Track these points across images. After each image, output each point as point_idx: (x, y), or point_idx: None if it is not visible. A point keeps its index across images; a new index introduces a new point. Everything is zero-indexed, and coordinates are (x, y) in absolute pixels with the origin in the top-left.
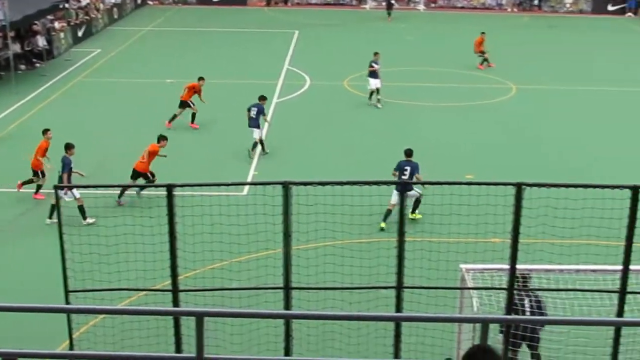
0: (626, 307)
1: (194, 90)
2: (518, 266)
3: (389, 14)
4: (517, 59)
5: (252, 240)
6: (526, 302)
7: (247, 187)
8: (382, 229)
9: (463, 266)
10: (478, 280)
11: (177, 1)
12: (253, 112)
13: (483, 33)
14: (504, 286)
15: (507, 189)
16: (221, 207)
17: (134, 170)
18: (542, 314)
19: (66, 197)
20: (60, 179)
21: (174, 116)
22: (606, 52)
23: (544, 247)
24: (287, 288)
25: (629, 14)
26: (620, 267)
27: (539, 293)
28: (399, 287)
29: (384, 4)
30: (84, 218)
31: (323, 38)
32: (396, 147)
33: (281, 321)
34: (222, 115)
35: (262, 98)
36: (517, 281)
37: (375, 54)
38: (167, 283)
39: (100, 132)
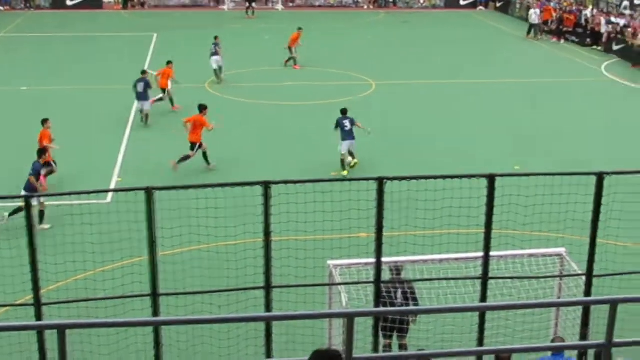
0: (489, 293)
1: (167, 75)
2: (384, 259)
3: (247, 12)
4: (374, 55)
5: (116, 249)
6: (399, 293)
7: (110, 195)
8: (344, 177)
9: (330, 262)
10: (346, 275)
11: (30, 6)
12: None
13: (300, 29)
14: (371, 279)
15: (370, 184)
16: (83, 216)
17: (191, 143)
18: (415, 304)
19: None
20: (28, 183)
21: (171, 100)
22: (459, 45)
23: (408, 239)
24: (155, 295)
25: (480, 7)
26: (481, 254)
27: (413, 284)
28: (268, 287)
29: (246, 4)
30: (40, 222)
31: (182, 41)
32: (268, 148)
33: (150, 329)
34: (85, 124)
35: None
36: (392, 273)
37: (216, 37)
38: (30, 297)
39: None
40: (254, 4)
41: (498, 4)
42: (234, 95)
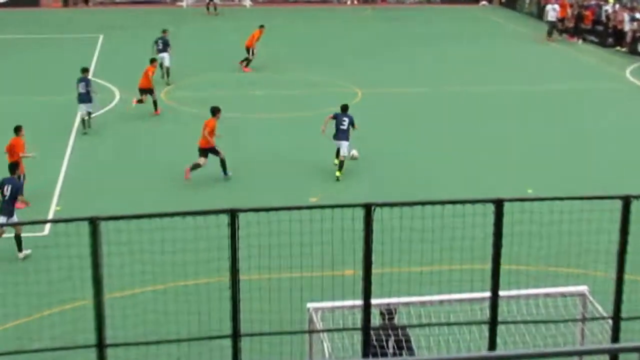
0: (498, 340)
1: (150, 73)
2: (374, 301)
3: (208, 8)
4: (360, 58)
5: (55, 290)
6: (391, 341)
7: (48, 226)
8: (338, 179)
9: (310, 305)
10: (329, 321)
11: None
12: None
13: (262, 27)
14: (358, 325)
15: (356, 211)
16: (14, 252)
17: (200, 148)
18: (411, 354)
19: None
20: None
21: (154, 103)
22: (459, 47)
23: (402, 276)
24: (101, 346)
25: (483, 2)
26: (488, 294)
27: (408, 330)
28: (236, 335)
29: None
30: (20, 250)
31: (133, 42)
32: (236, 168)
33: None
34: None
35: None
36: (384, 317)
37: (164, 31)
38: None
39: None
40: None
41: None
42: (195, 106)
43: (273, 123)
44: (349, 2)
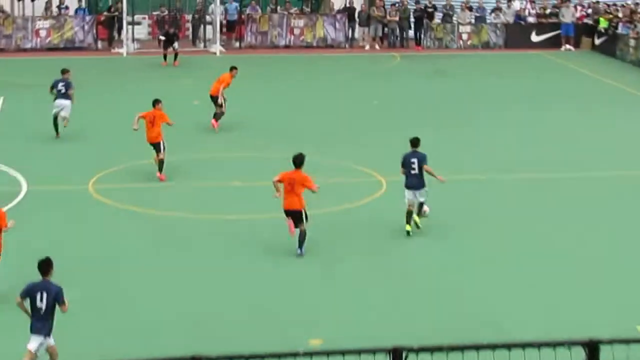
0: None
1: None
2: None
3: (166, 57)
4: (385, 132)
5: None
6: None
7: None
8: (408, 233)
9: None
10: None
11: None
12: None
13: (233, 69)
14: None
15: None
16: None
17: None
18: None
19: None
20: None
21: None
22: (533, 111)
23: None
24: None
25: (567, 46)
26: None
27: None
28: None
29: (162, 44)
30: None
31: (47, 107)
32: (192, 306)
33: None
34: None
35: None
36: None
37: (65, 71)
38: None
39: None
40: (175, 44)
41: (597, 40)
42: (142, 204)
43: (263, 228)
44: (366, 47)
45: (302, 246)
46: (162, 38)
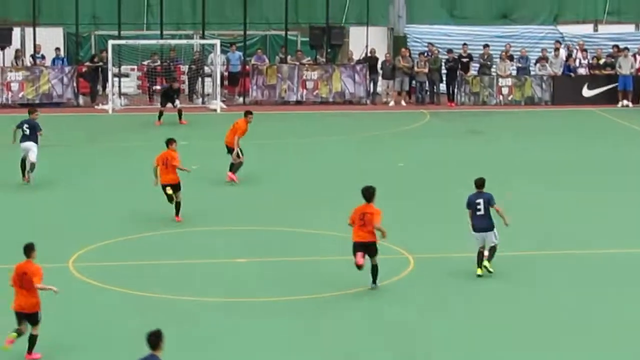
0: None
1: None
2: None
3: (161, 117)
4: (413, 202)
5: None
6: None
7: None
8: (479, 276)
9: None
10: None
11: None
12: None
13: (248, 114)
14: None
15: None
16: None
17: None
18: None
19: None
20: None
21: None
22: (583, 178)
23: None
24: None
25: (625, 102)
26: None
27: None
28: None
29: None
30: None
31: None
32: None
33: None
34: None
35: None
36: None
37: (32, 112)
38: None
39: None
40: (177, 102)
41: None
42: (131, 285)
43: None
44: (391, 103)
45: (376, 279)
46: (157, 88)
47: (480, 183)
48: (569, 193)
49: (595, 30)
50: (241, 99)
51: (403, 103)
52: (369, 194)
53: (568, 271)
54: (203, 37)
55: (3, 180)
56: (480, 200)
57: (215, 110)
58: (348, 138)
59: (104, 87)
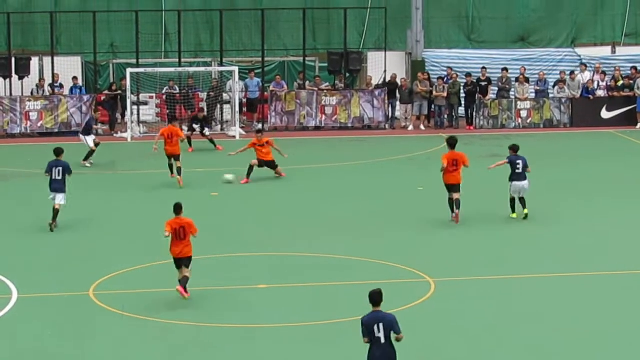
0: None
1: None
2: None
3: (190, 142)
4: (434, 226)
5: None
6: None
7: None
8: (514, 218)
9: None
10: None
11: None
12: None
13: (259, 132)
14: None
15: None
16: None
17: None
18: None
19: None
20: None
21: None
22: (601, 197)
23: None
24: None
25: None
26: None
27: None
28: None
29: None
30: None
31: (37, 201)
32: None
33: None
34: None
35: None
36: None
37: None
38: None
39: None
40: (206, 130)
41: None
42: (152, 312)
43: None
44: (410, 127)
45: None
46: (196, 127)
47: (516, 148)
48: (592, 213)
49: (613, 52)
50: (260, 126)
51: (422, 127)
52: (454, 141)
53: (593, 292)
54: (221, 64)
55: (23, 208)
56: (520, 161)
57: (234, 137)
58: (367, 163)
59: (123, 116)
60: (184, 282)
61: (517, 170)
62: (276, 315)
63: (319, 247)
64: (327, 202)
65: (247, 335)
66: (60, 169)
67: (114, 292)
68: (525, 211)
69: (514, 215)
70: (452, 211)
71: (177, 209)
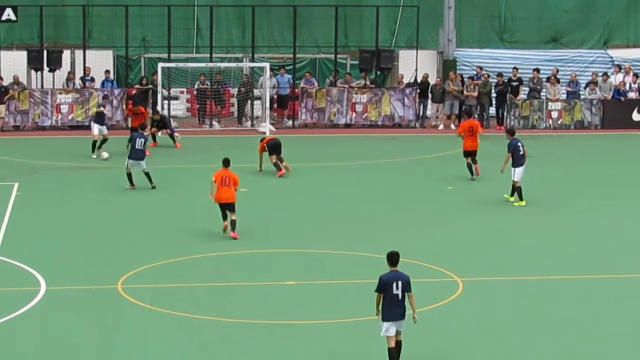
0: None
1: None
2: None
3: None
4: (462, 226)
5: None
6: None
7: None
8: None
9: None
10: None
11: None
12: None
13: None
14: None
15: None
16: None
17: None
18: None
19: None
20: None
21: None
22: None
23: None
24: None
25: None
26: None
27: None
28: None
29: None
30: None
31: (69, 194)
32: None
33: None
34: None
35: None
36: None
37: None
38: None
39: None
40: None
41: None
42: (179, 307)
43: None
44: (440, 126)
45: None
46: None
47: (513, 131)
48: (623, 214)
49: None
50: (290, 122)
51: (452, 127)
52: (470, 109)
53: (629, 295)
54: (253, 60)
55: (51, 201)
56: (519, 143)
57: (264, 133)
58: (397, 161)
59: (153, 110)
60: (233, 225)
61: (520, 153)
62: (303, 312)
63: (348, 245)
64: (357, 200)
65: (274, 332)
66: (142, 140)
67: (142, 285)
68: (518, 201)
69: (523, 203)
70: (472, 173)
71: (226, 162)
